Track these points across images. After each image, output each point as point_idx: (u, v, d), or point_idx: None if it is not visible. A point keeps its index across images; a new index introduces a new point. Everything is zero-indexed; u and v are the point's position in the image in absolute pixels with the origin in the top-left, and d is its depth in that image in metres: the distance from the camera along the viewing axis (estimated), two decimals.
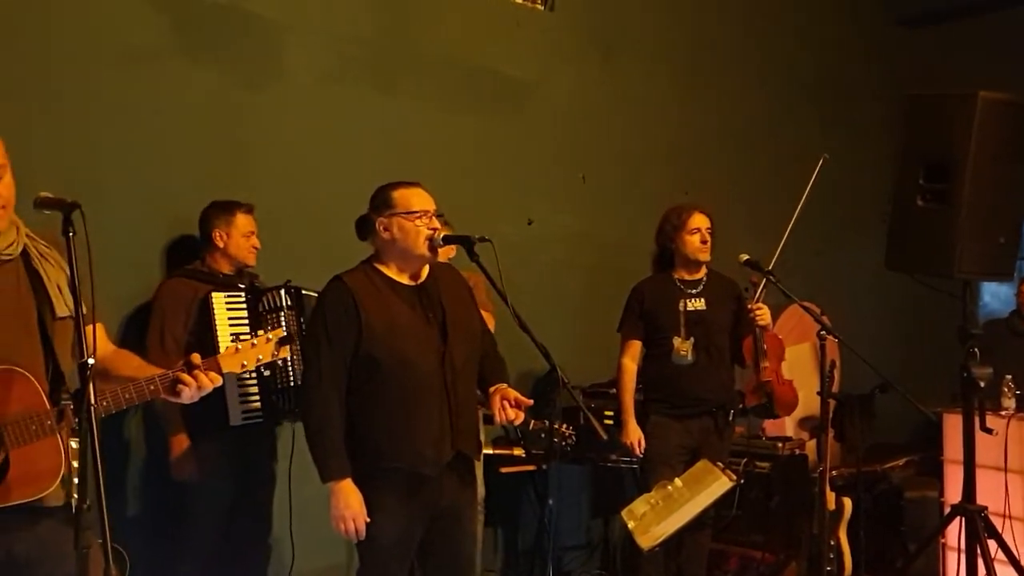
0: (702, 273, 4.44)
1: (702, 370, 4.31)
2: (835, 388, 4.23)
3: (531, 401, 3.18)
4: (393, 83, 4.92)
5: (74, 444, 2.50)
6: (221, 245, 3.89)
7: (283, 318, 3.76)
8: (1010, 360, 4.82)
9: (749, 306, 4.28)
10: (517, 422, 3.17)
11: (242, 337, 3.62)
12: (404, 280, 3.19)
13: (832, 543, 4.46)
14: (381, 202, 3.20)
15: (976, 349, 3.91)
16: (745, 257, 4.30)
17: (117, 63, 4.02)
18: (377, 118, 4.82)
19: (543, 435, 4.12)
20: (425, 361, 3.11)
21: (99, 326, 2.54)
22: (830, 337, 4.00)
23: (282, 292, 3.79)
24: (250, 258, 3.94)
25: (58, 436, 2.31)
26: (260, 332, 2.62)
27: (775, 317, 4.59)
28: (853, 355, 3.99)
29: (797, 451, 5.29)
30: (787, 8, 6.84)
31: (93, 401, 2.16)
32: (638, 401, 4.44)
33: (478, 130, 5.23)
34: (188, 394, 2.43)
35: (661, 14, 6.13)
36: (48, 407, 2.30)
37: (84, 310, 2.32)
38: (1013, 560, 4.09)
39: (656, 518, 3.95)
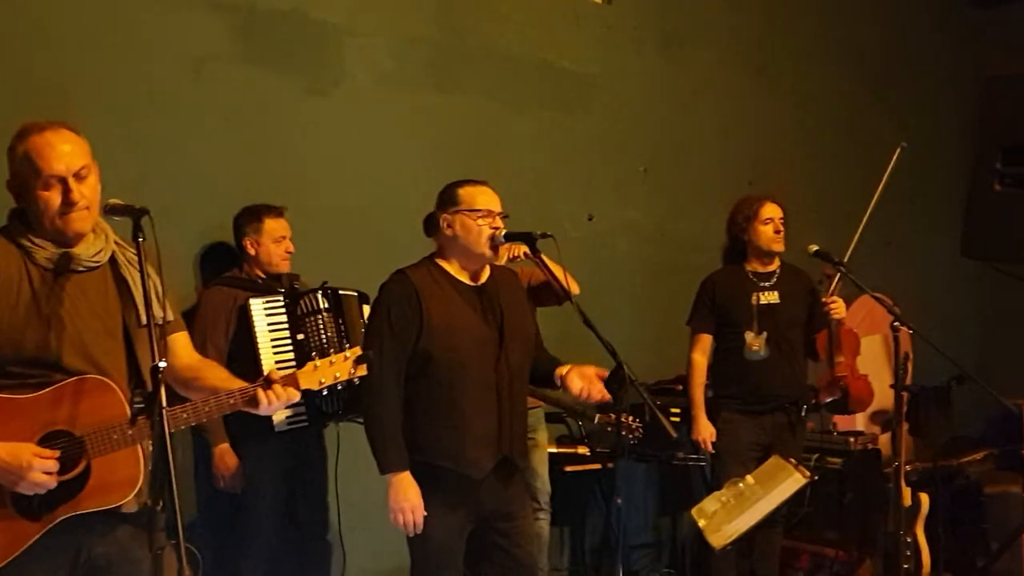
0: (775, 265, 4.36)
1: (774, 365, 4.24)
2: (908, 380, 4.11)
3: (606, 372, 3.12)
4: (452, 82, 4.91)
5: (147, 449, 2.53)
6: (253, 253, 3.90)
7: (321, 321, 3.76)
8: None
9: (823, 299, 4.18)
10: (607, 399, 3.11)
11: (278, 340, 3.69)
12: (465, 279, 3.19)
13: (909, 540, 4.34)
14: (447, 198, 3.19)
15: None
16: (815, 248, 4.21)
17: (183, 71, 4.08)
18: (437, 118, 4.82)
19: (609, 428, 4.06)
20: (480, 363, 3.10)
21: (183, 334, 2.59)
22: (903, 328, 3.88)
23: (319, 295, 3.79)
24: (283, 265, 3.92)
25: (138, 446, 2.33)
26: (335, 351, 2.61)
27: (846, 309, 4.47)
28: (926, 347, 3.89)
29: (870, 446, 5.19)
30: None
31: (164, 404, 2.18)
32: (708, 397, 4.39)
33: (538, 126, 5.20)
34: (266, 409, 2.46)
35: (721, 1, 6.03)
36: (130, 416, 2.33)
37: (170, 318, 2.36)
38: None
39: (727, 516, 3.88)
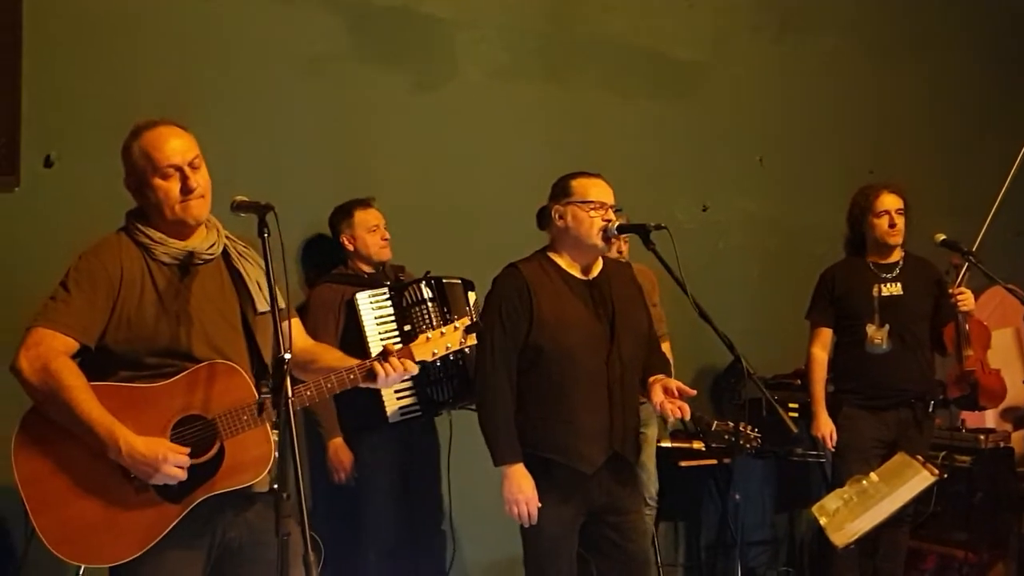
0: (898, 256, 4.22)
1: (898, 359, 4.10)
2: None
3: (694, 391, 3.08)
4: (564, 73, 4.90)
5: (273, 436, 2.61)
6: (351, 248, 3.97)
7: (427, 310, 3.80)
8: None
9: (950, 291, 4.03)
10: (686, 417, 3.07)
11: (385, 332, 3.74)
12: (576, 273, 3.18)
13: None
14: (560, 190, 3.19)
15: None
16: (942, 237, 4.07)
17: (298, 69, 4.18)
18: (548, 110, 4.82)
19: (726, 436, 4.00)
20: (591, 357, 3.09)
21: (295, 321, 2.69)
22: None
23: (422, 285, 3.84)
24: (382, 253, 3.96)
25: (267, 425, 2.42)
26: (446, 323, 2.68)
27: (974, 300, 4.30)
28: None
29: (1002, 444, 4.98)
30: None
31: (291, 394, 2.24)
32: (829, 392, 4.28)
33: (651, 115, 5.16)
34: (385, 382, 2.53)
35: None
36: (258, 398, 2.41)
37: (281, 306, 2.42)
38: None
39: (850, 514, 3.77)
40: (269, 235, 2.36)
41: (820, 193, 5.34)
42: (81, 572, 3.21)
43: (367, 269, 3.98)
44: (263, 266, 2.48)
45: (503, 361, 3.09)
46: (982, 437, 4.93)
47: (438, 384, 3.82)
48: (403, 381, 3.70)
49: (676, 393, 3.06)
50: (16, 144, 3.50)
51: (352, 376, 2.51)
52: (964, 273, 4.07)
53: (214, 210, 2.52)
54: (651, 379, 3.16)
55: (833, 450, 4.22)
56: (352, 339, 3.74)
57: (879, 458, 4.05)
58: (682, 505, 5.12)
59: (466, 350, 2.72)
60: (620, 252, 4.21)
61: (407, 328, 3.76)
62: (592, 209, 3.11)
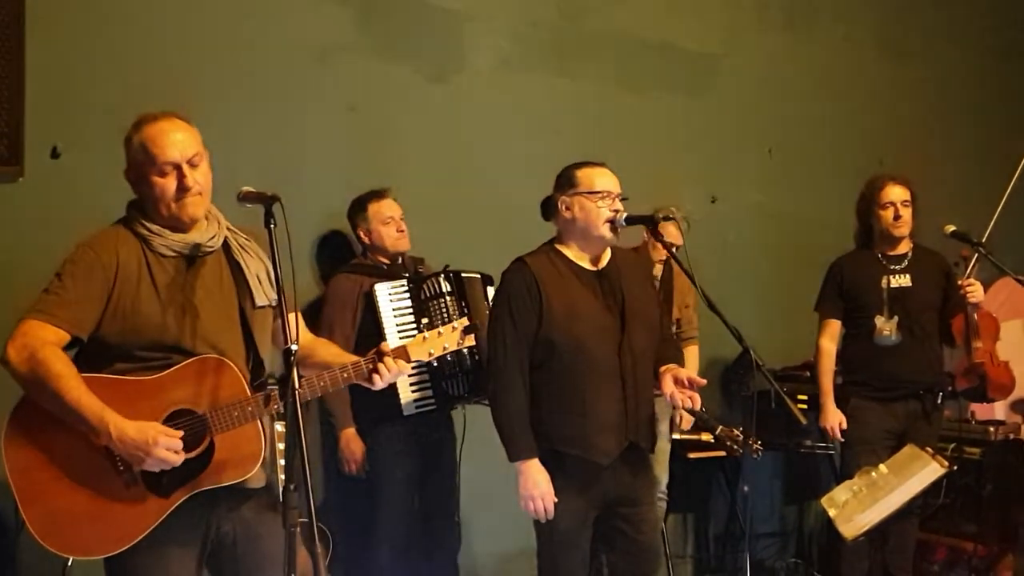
0: (906, 247, 4.20)
1: (907, 350, 4.09)
2: None
3: (704, 381, 3.07)
4: (573, 65, 4.89)
5: (279, 427, 2.61)
6: (368, 240, 3.96)
7: (445, 304, 3.79)
8: None
9: (959, 282, 4.00)
10: (695, 407, 3.06)
11: (403, 325, 3.74)
12: (585, 264, 3.16)
13: None
14: (565, 181, 3.17)
15: None
16: (952, 228, 4.05)
17: (308, 61, 4.17)
18: (557, 101, 4.81)
19: (728, 443, 4.00)
20: (602, 348, 3.07)
21: (294, 314, 2.64)
22: None
23: (441, 279, 3.83)
24: (398, 244, 3.94)
25: (258, 422, 2.40)
26: (441, 322, 2.66)
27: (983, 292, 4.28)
28: None
29: (1012, 436, 4.96)
30: None
31: (298, 386, 2.24)
32: (837, 384, 4.27)
33: (660, 108, 5.14)
34: (380, 383, 2.50)
35: None
36: (249, 394, 2.40)
37: (273, 297, 2.43)
38: None
39: (859, 506, 3.76)
40: (276, 226, 2.36)
41: (830, 185, 5.32)
42: (70, 563, 3.22)
43: (385, 261, 3.98)
44: (264, 259, 2.49)
45: (515, 356, 3.07)
46: (992, 429, 4.91)
47: (454, 378, 3.81)
48: (418, 374, 3.76)
49: (687, 383, 3.05)
50: (20, 135, 3.50)
51: (346, 375, 2.47)
52: (973, 264, 4.05)
53: (222, 202, 2.51)
54: (662, 369, 3.14)
55: (842, 442, 4.20)
56: (369, 330, 3.75)
57: (888, 450, 4.04)
58: (691, 497, 5.12)
59: (464, 350, 2.70)
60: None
61: (424, 321, 3.75)
62: (599, 199, 3.09)
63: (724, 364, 5.13)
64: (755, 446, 3.79)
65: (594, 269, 3.16)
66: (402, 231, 3.95)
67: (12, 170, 3.51)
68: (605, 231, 3.09)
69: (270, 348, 2.55)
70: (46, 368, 2.27)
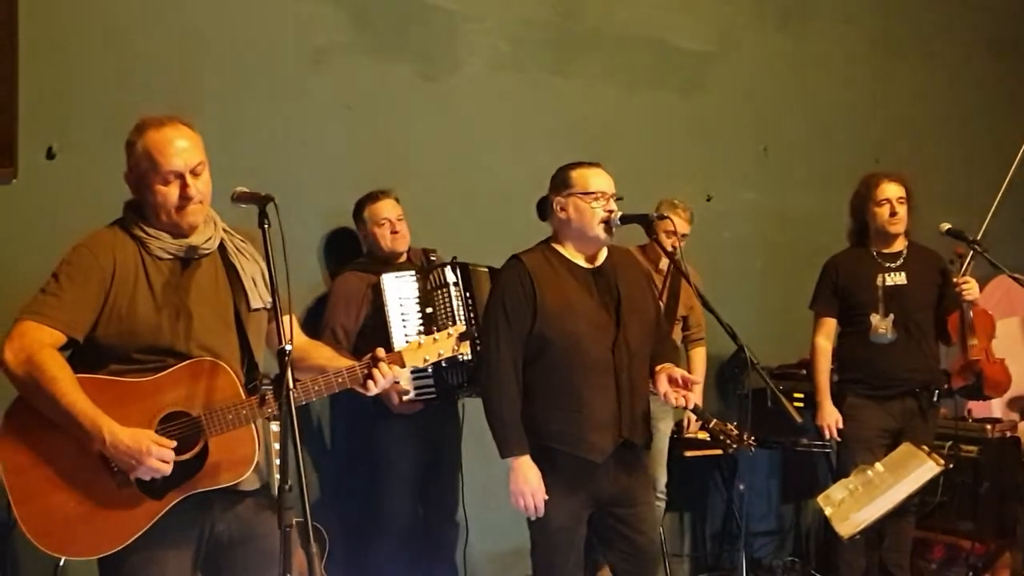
0: (901, 245, 4.20)
1: (902, 348, 4.09)
2: None
3: (699, 379, 3.07)
4: (567, 65, 4.88)
5: (275, 427, 2.61)
6: (366, 241, 3.99)
7: (449, 295, 3.80)
8: None
9: (955, 280, 4.01)
10: (688, 406, 3.06)
11: (408, 315, 3.74)
12: (580, 262, 3.16)
13: None
14: (560, 182, 3.17)
15: None
16: (947, 226, 4.05)
17: (303, 61, 4.16)
18: (552, 101, 4.80)
19: (721, 438, 4.00)
20: (596, 345, 3.08)
21: (291, 317, 2.64)
22: None
23: (447, 269, 3.84)
24: (394, 245, 3.94)
25: (252, 425, 2.40)
26: (439, 329, 2.68)
27: (979, 290, 4.28)
28: None
29: (1008, 433, 4.94)
30: None
31: (292, 386, 2.23)
32: (833, 382, 4.28)
33: (654, 107, 5.14)
34: (374, 388, 2.49)
35: None
36: (244, 397, 2.40)
37: (268, 300, 2.42)
38: None
39: (856, 505, 3.76)
40: (270, 226, 2.35)
41: (825, 183, 5.32)
42: (62, 563, 3.22)
43: (389, 258, 3.98)
44: (260, 261, 2.48)
45: (508, 352, 3.08)
46: (988, 427, 4.90)
47: (454, 367, 3.78)
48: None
49: (681, 382, 3.06)
50: (14, 136, 3.48)
51: (340, 380, 2.47)
52: (968, 262, 4.06)
53: (218, 202, 2.50)
54: (657, 368, 3.15)
55: (838, 440, 4.20)
56: (377, 323, 3.76)
57: (884, 448, 4.05)
58: (688, 495, 5.11)
59: (459, 357, 2.71)
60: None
61: (428, 311, 3.78)
62: (593, 200, 3.10)
63: (720, 362, 5.13)
64: (748, 441, 3.79)
65: (589, 267, 3.17)
66: (397, 232, 3.95)
67: (6, 171, 3.49)
68: (600, 231, 3.10)
69: (264, 351, 2.55)
70: (42, 371, 2.27)
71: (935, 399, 4.17)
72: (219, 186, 2.49)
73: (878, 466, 3.86)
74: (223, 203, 2.51)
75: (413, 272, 3.86)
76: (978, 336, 4.08)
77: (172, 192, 2.38)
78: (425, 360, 2.59)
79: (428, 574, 4.02)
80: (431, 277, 3.84)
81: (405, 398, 3.78)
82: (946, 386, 4.25)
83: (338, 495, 4.14)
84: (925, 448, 3.90)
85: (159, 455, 2.28)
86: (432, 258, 4.02)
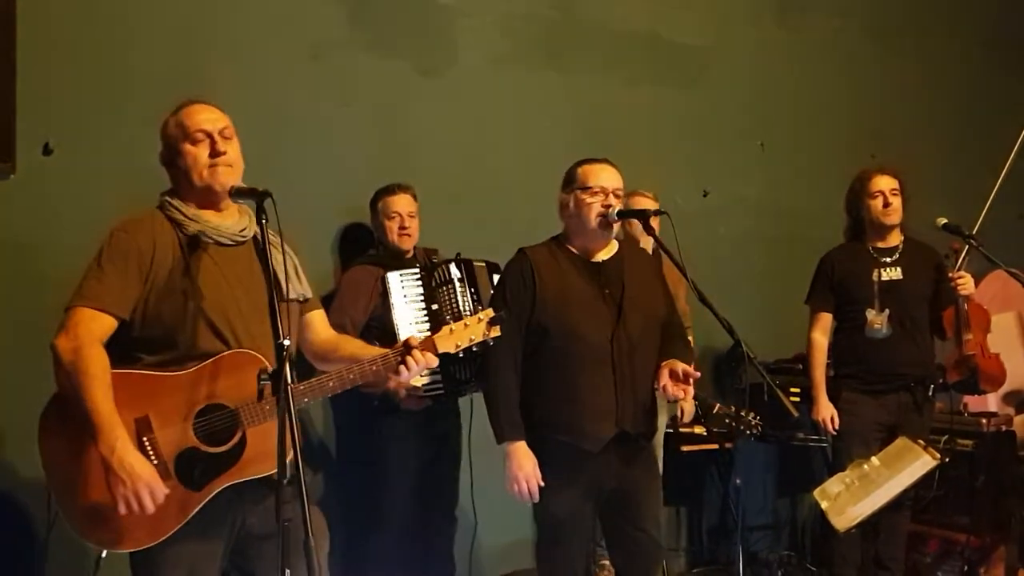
0: (897, 240, 4.20)
1: (898, 343, 4.09)
2: None
3: (698, 374, 3.08)
4: (565, 59, 4.89)
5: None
6: (377, 235, 4.01)
7: (454, 290, 3.82)
8: None
9: (950, 275, 4.02)
10: (684, 398, 3.08)
11: (414, 311, 3.75)
12: (585, 256, 3.21)
13: None
14: (567, 178, 3.24)
15: None
16: (943, 221, 4.06)
17: (301, 56, 4.16)
18: (550, 95, 4.81)
19: (727, 420, 4.01)
20: (594, 335, 3.10)
21: (321, 311, 2.72)
22: None
23: (451, 266, 3.86)
24: (401, 241, 3.95)
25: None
26: (469, 314, 2.71)
27: (975, 284, 4.29)
28: None
29: (1004, 427, 4.96)
30: None
31: (290, 381, 2.24)
32: (829, 377, 4.27)
33: (652, 101, 5.14)
34: (407, 375, 2.53)
35: None
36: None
37: (309, 296, 2.50)
38: None
39: (852, 498, 3.77)
40: (267, 221, 2.37)
41: (821, 178, 5.32)
42: (103, 556, 3.23)
43: (396, 253, 3.98)
44: (292, 254, 2.55)
45: (507, 339, 3.06)
46: (984, 421, 4.91)
47: (460, 362, 3.79)
48: None
49: (682, 376, 3.07)
50: (11, 131, 3.48)
51: (375, 367, 2.51)
52: (964, 257, 4.07)
53: None
54: (662, 363, 3.17)
55: (834, 434, 4.21)
56: (384, 317, 3.78)
57: (880, 442, 4.05)
58: (684, 490, 5.12)
59: (490, 341, 2.71)
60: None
61: (434, 307, 3.79)
62: (591, 195, 3.14)
63: (717, 357, 5.14)
64: (754, 422, 3.81)
65: (594, 261, 3.20)
66: (405, 228, 3.95)
67: (3, 167, 3.49)
68: (595, 225, 3.14)
69: (295, 342, 2.58)
70: (85, 365, 2.30)
71: (930, 393, 4.18)
72: None
73: (874, 460, 3.87)
74: None
75: (417, 270, 3.88)
76: (973, 331, 4.09)
77: (202, 151, 2.45)
78: (457, 346, 2.61)
79: (426, 568, 4.03)
80: (436, 274, 3.86)
81: (417, 383, 3.77)
82: (941, 380, 4.26)
83: (338, 491, 4.14)
84: (921, 442, 3.91)
85: (152, 488, 2.29)
86: (433, 259, 4.02)
